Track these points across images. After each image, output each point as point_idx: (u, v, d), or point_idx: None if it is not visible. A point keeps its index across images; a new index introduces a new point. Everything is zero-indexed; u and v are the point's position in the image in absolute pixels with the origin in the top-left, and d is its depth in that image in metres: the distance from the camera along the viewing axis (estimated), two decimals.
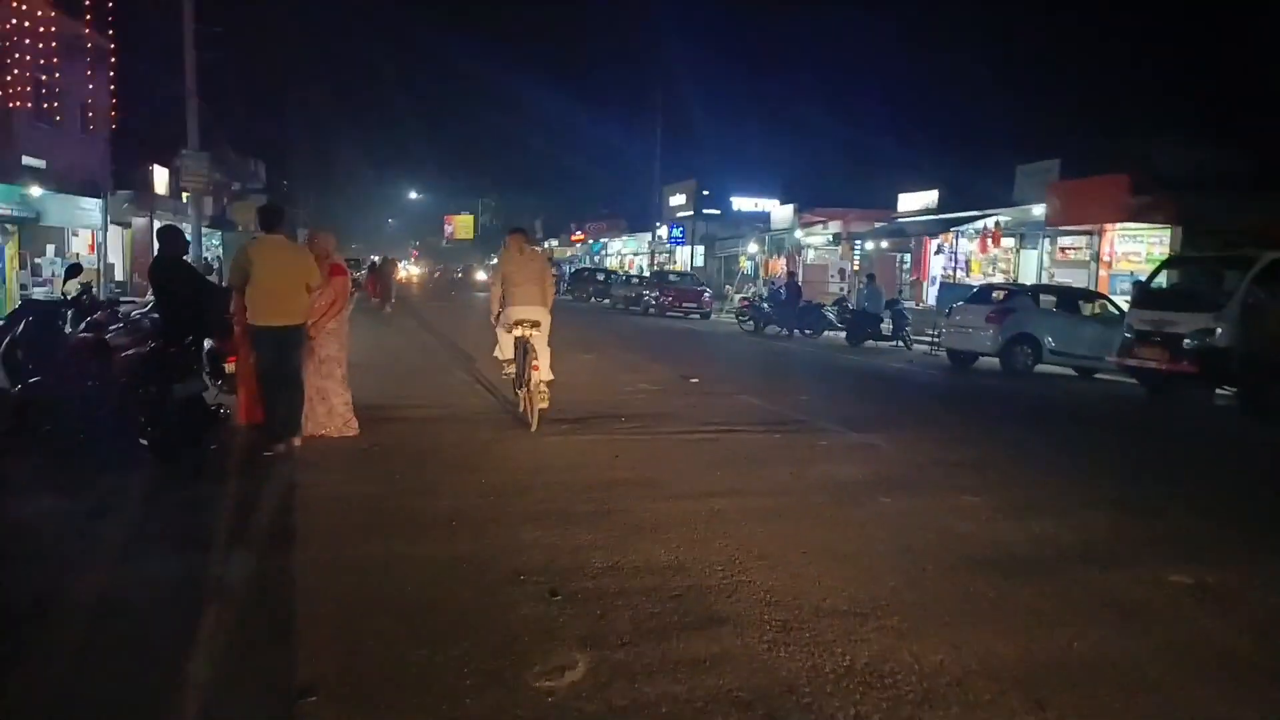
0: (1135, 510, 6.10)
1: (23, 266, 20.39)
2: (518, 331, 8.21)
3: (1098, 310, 15.59)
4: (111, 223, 26.40)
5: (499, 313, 8.53)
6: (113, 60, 24.54)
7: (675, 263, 46.62)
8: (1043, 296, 15.35)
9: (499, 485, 5.98)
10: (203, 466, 6.16)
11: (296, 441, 6.88)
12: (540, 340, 8.15)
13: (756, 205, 43.47)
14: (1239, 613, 4.22)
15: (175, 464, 5.97)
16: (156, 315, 7.03)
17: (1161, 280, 13.02)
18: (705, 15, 76.46)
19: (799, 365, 16.06)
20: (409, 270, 61.58)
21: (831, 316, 22.73)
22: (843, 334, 22.45)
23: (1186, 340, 10.45)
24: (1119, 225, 21.88)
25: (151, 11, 27.44)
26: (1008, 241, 25.84)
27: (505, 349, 8.60)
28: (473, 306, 28.43)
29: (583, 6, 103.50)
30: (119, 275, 27.51)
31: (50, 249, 23.15)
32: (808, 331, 22.70)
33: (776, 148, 43.15)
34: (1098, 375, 15.31)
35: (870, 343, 20.38)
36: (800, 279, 33.42)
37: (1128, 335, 11.55)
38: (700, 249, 46.60)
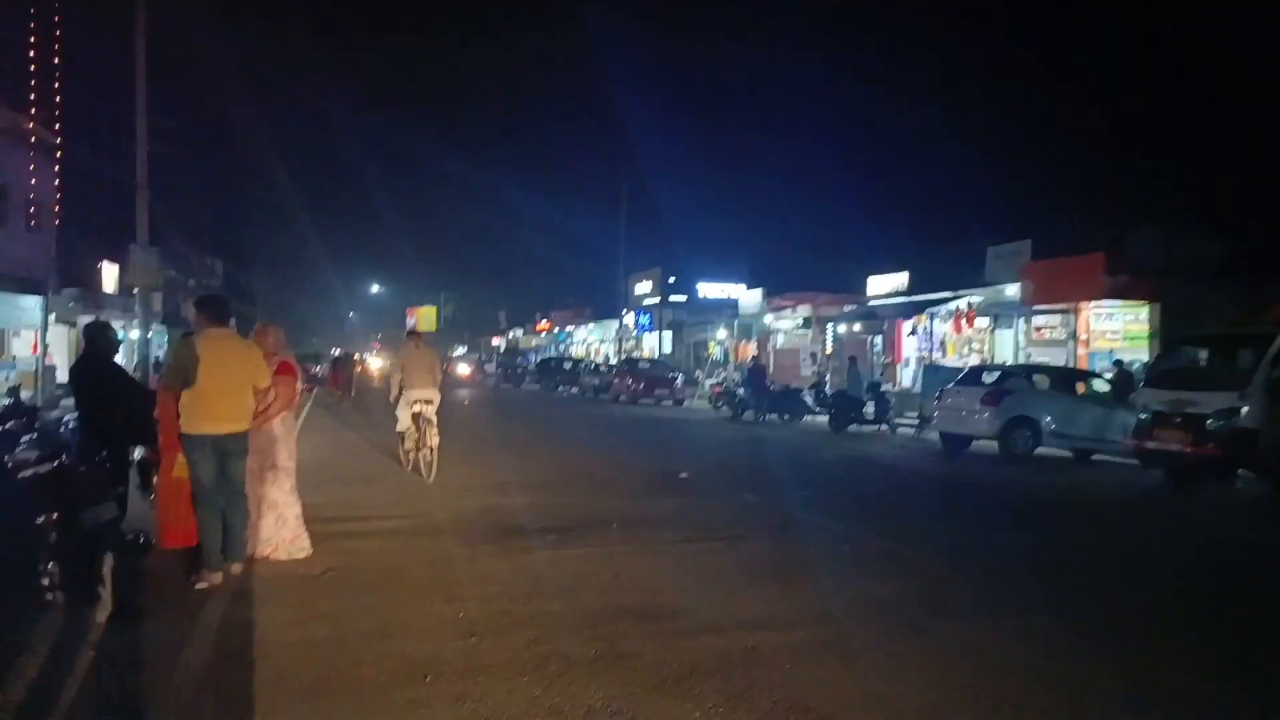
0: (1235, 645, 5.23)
1: None
2: (416, 408, 10.35)
3: (1091, 391, 15.03)
4: (56, 322, 25.13)
5: (398, 395, 10.58)
6: (58, 154, 23.72)
7: (643, 350, 46.09)
8: (1037, 377, 14.76)
9: (482, 619, 4.95)
10: (116, 608, 5.06)
11: (235, 568, 5.81)
12: (432, 412, 10.34)
13: (723, 291, 43.32)
14: None
15: (82, 606, 4.86)
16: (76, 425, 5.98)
17: (1171, 359, 12.46)
18: (670, 102, 77.94)
19: (788, 456, 15.20)
20: (369, 363, 60.32)
21: (809, 401, 22.07)
22: (821, 418, 21.75)
23: (1210, 420, 9.79)
24: (1094, 303, 21.70)
25: (101, 104, 26.92)
26: (981, 322, 25.56)
27: (404, 422, 10.66)
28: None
29: (546, 98, 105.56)
30: (61, 377, 26.09)
31: None
32: (785, 416, 21.97)
33: (742, 232, 43.52)
34: (1095, 457, 14.68)
35: (853, 427, 19.64)
36: (770, 363, 33.15)
37: (1143, 417, 10.87)
38: (668, 335, 46.13)
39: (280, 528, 6.35)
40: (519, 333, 71.96)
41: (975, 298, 25.03)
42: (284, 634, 4.71)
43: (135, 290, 22.94)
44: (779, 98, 64.84)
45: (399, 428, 10.77)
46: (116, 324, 29.84)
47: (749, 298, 37.55)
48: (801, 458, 14.78)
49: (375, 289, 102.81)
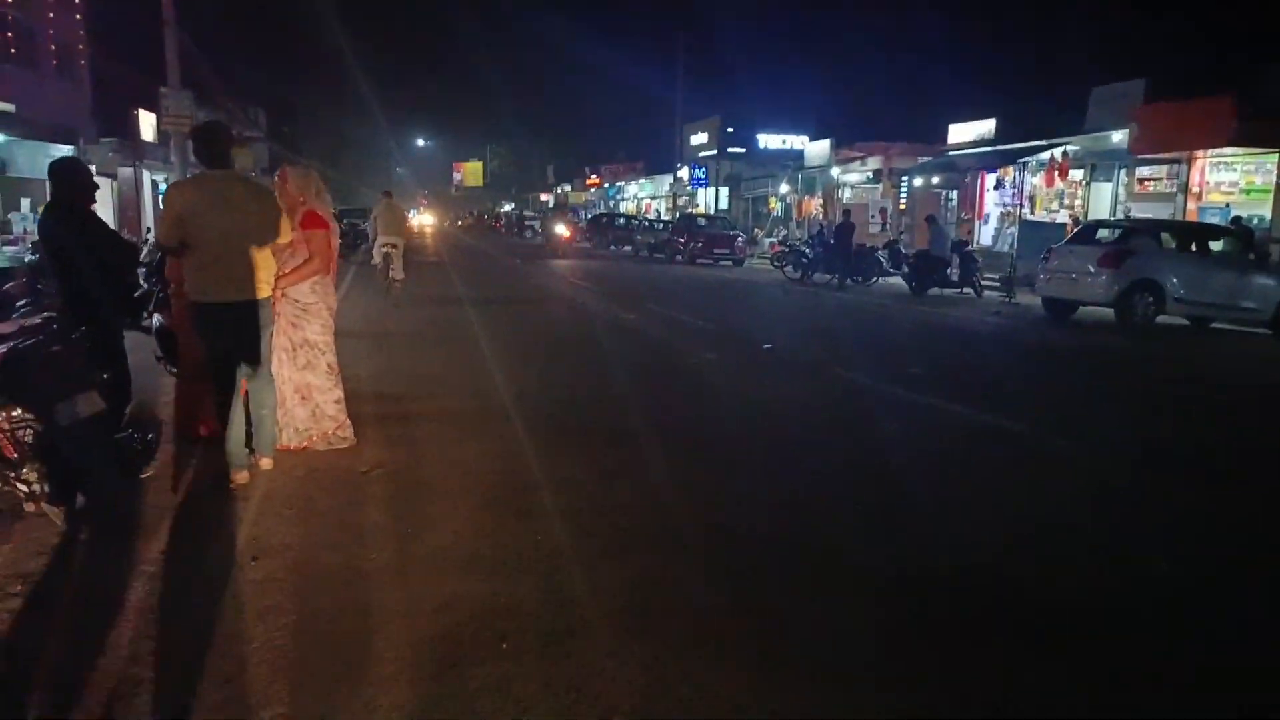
0: None
1: None
2: (385, 249, 13.72)
3: (1223, 251, 13.25)
4: (98, 174, 24.27)
5: (374, 239, 14.16)
6: None
7: (697, 206, 44.08)
8: (1164, 235, 12.98)
9: (568, 546, 3.91)
10: (112, 513, 4.11)
11: (265, 463, 4.85)
12: (397, 255, 13.72)
13: (785, 143, 40.77)
14: None
15: (69, 519, 3.91)
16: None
17: None
18: None
19: (873, 323, 13.86)
20: (419, 219, 58.96)
21: (884, 261, 20.47)
22: (895, 280, 20.17)
23: None
24: (1210, 153, 19.40)
25: None
26: (1076, 174, 23.31)
27: (376, 258, 14.03)
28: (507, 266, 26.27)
29: None
30: None
31: (25, 203, 21.00)
32: (858, 279, 20.42)
33: (807, 79, 40.23)
34: (1215, 325, 13.14)
35: (935, 289, 18.13)
36: (836, 218, 31.21)
37: None
38: (724, 191, 43.96)
39: (318, 419, 5.34)
40: (567, 188, 69.84)
41: (1072, 146, 22.69)
42: (311, 557, 3.71)
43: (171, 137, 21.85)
44: None
45: (373, 262, 14.36)
46: (157, 176, 28.96)
47: (815, 149, 35.10)
48: (889, 325, 13.46)
49: (421, 143, 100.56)
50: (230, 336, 4.58)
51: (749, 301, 16.45)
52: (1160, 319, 12.74)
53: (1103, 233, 13.49)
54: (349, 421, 5.49)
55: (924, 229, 20.70)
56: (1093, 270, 12.58)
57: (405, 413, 6.44)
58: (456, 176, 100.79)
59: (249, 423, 4.78)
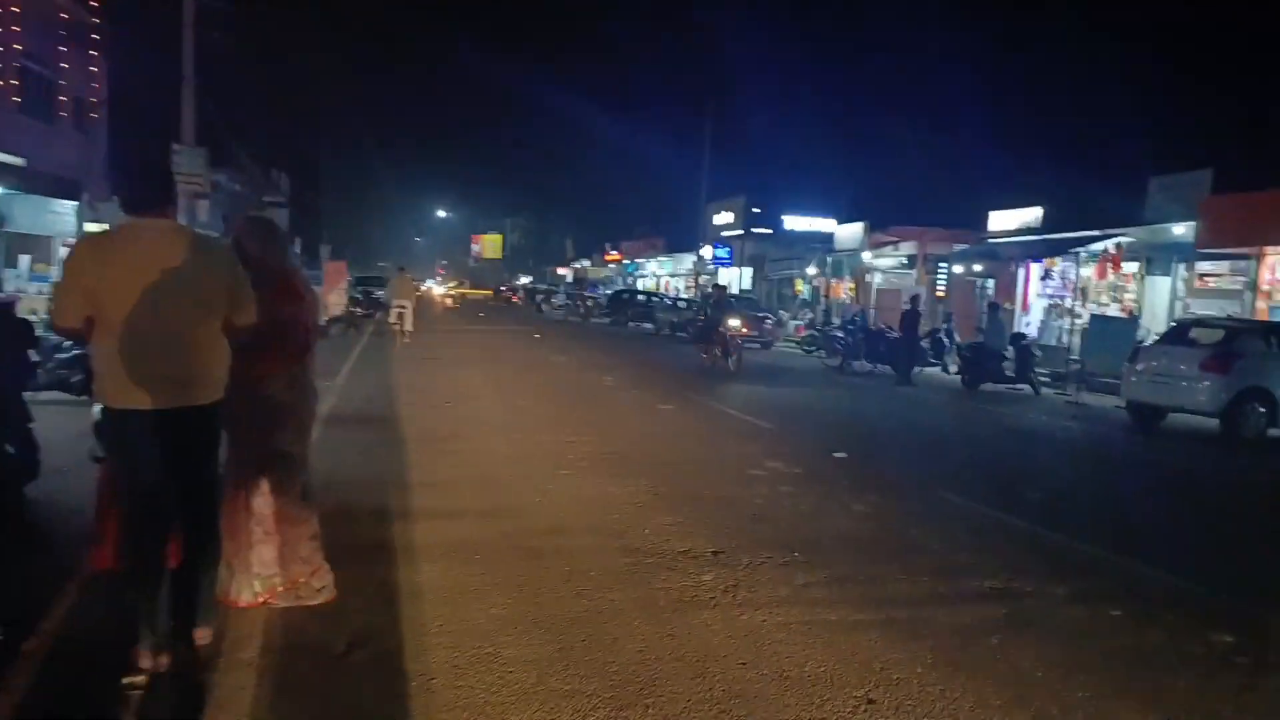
0: None
1: None
2: (399, 310, 20.52)
3: None
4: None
5: (391, 301, 20.39)
6: (96, 41, 21.51)
7: (717, 284, 43.00)
8: (1274, 338, 11.51)
9: None
10: None
11: (202, 636, 3.38)
12: (408, 314, 20.63)
13: (811, 225, 39.88)
14: None
15: None
16: None
17: None
18: (757, 10, 71.60)
19: (950, 424, 12.30)
20: (431, 288, 58.41)
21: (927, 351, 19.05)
22: (935, 370, 18.66)
23: None
24: None
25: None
26: (1130, 266, 22.05)
27: (393, 316, 20.59)
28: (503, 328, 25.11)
29: (622, 10, 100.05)
30: None
31: (24, 260, 19.94)
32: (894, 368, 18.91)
33: (837, 160, 39.45)
34: None
35: (988, 384, 16.67)
36: (869, 304, 30.00)
37: None
38: (748, 271, 42.99)
39: (286, 562, 3.89)
40: (586, 263, 69.29)
41: (1125, 238, 21.47)
42: None
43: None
44: None
45: (390, 320, 20.91)
46: None
47: (845, 231, 34.12)
48: (967, 428, 11.92)
49: (442, 214, 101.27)
50: (162, 460, 3.16)
51: (796, 393, 14.93)
52: (1271, 431, 11.20)
53: (1198, 332, 12.06)
54: (327, 565, 4.03)
55: (962, 319, 19.21)
56: (1194, 374, 11.11)
57: (408, 542, 4.98)
58: (475, 248, 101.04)
59: (184, 581, 3.33)
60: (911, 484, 7.48)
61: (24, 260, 19.99)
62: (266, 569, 3.87)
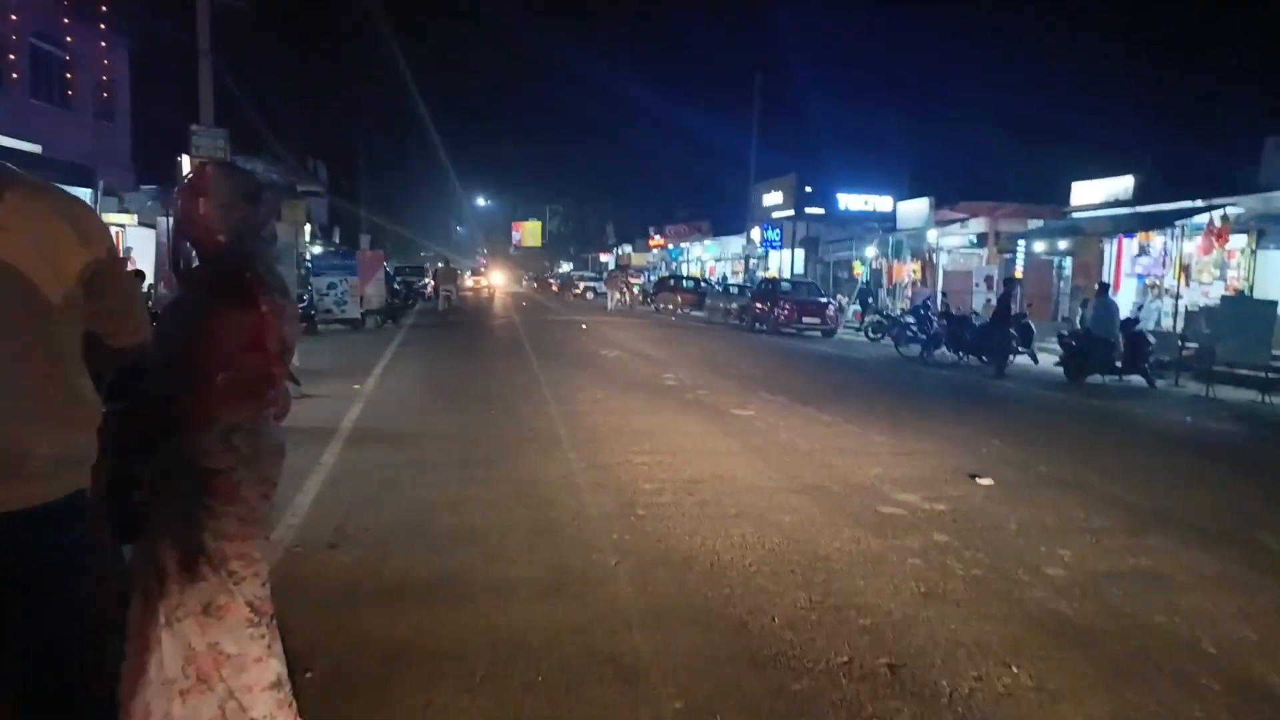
0: None
1: None
2: (444, 293, 28.37)
3: None
4: (138, 224, 22.28)
5: (435, 286, 31.09)
6: (108, 17, 20.33)
7: (767, 269, 41.13)
8: None
9: None
10: None
11: None
12: (453, 294, 29.20)
13: (867, 203, 37.79)
14: None
15: None
16: None
17: None
18: None
19: (1077, 429, 10.39)
20: (475, 278, 57.28)
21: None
22: (1024, 360, 16.72)
23: None
24: None
25: None
26: (1238, 240, 19.81)
27: (440, 302, 28.12)
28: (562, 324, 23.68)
29: None
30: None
31: None
32: (983, 358, 17.03)
33: (895, 132, 37.36)
34: None
35: (1095, 376, 14.74)
36: (936, 286, 27.95)
37: None
38: (800, 253, 40.97)
39: None
40: (628, 248, 67.62)
41: (1233, 208, 19.24)
42: None
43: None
44: None
45: (439, 306, 27.72)
46: None
47: (909, 209, 31.92)
48: (1120, 433, 9.99)
49: (482, 202, 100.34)
50: None
51: (889, 393, 12.89)
52: None
53: None
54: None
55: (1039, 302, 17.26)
56: None
57: (429, 644, 3.42)
58: (515, 236, 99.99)
59: None
60: (1089, 519, 5.74)
61: None
62: None
